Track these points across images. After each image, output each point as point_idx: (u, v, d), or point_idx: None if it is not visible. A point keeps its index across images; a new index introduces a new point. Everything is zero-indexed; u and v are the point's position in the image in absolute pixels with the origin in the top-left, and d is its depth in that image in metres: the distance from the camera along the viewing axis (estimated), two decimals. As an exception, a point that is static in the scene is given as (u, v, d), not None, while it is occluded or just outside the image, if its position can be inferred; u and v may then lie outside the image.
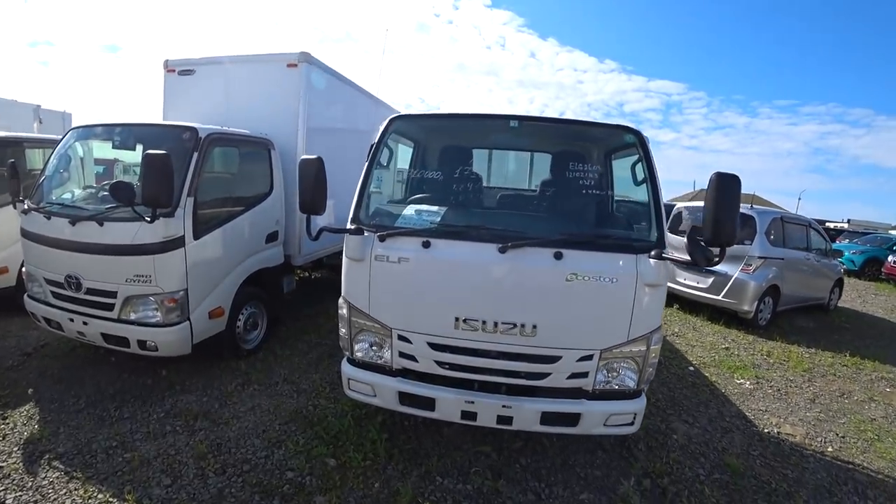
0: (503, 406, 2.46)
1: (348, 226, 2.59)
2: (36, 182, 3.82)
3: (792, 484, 2.95)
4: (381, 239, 2.44)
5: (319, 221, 2.66)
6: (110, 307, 3.27)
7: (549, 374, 2.46)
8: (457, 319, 2.41)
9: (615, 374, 2.51)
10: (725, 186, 2.08)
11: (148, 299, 3.24)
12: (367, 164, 2.73)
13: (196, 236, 3.39)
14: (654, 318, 2.44)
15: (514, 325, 2.38)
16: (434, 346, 2.48)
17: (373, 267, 2.46)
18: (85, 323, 3.34)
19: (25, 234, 3.58)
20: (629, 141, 2.73)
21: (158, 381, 3.57)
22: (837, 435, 3.63)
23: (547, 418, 2.46)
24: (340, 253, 2.64)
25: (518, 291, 2.38)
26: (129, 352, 3.33)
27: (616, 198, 2.93)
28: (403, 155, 3.48)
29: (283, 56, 4.50)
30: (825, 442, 3.52)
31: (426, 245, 2.40)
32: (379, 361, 2.61)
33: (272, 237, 4.43)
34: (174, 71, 4.77)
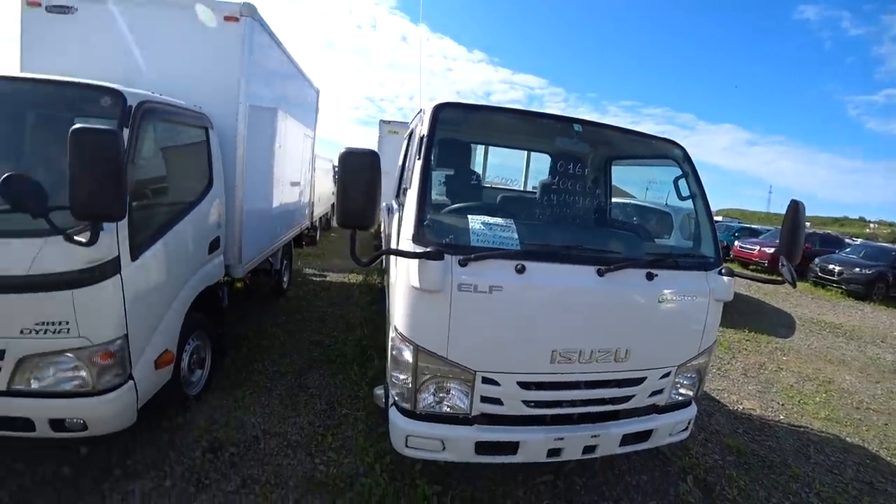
0: (592, 437, 2.26)
1: (401, 243, 2.06)
2: None
3: (778, 453, 3.37)
4: (463, 263, 1.96)
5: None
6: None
7: (633, 397, 2.33)
8: (553, 353, 2.09)
9: (681, 386, 2.51)
10: (801, 211, 2.22)
11: (63, 357, 2.15)
12: (420, 161, 2.19)
13: (134, 255, 2.35)
14: (715, 331, 2.50)
15: (609, 352, 2.17)
16: (524, 385, 2.12)
17: (454, 299, 1.96)
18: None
19: None
20: (676, 155, 2.69)
21: (84, 467, 2.43)
22: (779, 404, 4.29)
23: (626, 439, 2.37)
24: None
25: (614, 316, 2.19)
26: (32, 437, 2.19)
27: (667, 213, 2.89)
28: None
29: (219, 4, 3.43)
30: (775, 411, 4.12)
31: (520, 270, 2.00)
32: (449, 411, 2.14)
33: (214, 245, 3.42)
34: (39, 4, 3.28)
